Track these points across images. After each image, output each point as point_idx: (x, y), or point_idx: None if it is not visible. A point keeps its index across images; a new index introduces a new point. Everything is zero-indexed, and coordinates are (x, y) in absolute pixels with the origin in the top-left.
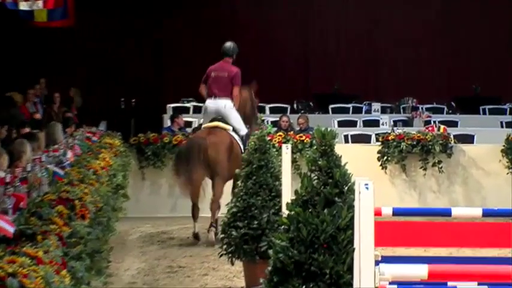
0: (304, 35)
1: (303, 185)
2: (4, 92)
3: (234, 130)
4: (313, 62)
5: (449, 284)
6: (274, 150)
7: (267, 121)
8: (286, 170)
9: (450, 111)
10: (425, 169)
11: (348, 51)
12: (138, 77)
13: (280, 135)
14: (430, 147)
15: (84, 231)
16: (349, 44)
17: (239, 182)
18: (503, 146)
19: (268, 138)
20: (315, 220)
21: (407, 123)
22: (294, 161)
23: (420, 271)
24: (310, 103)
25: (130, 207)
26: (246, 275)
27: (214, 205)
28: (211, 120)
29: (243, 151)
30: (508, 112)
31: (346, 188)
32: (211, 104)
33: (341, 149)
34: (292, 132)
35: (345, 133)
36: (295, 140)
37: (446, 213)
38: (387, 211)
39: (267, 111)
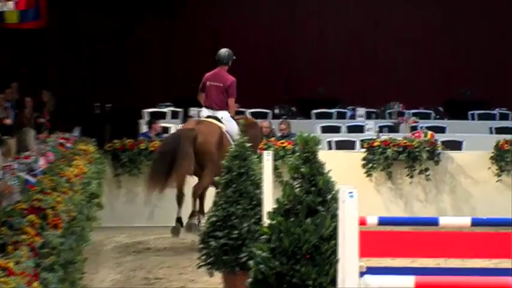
0: (287, 38)
1: (284, 193)
2: None
3: (228, 133)
4: (296, 65)
5: None
6: (255, 157)
7: None
8: (267, 177)
9: (438, 117)
10: (411, 177)
11: (332, 56)
12: (113, 81)
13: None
14: (416, 154)
15: (57, 242)
16: (333, 48)
17: (219, 190)
18: (493, 152)
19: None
20: (297, 230)
21: (393, 129)
22: (275, 168)
23: (407, 283)
24: (293, 108)
25: (105, 217)
26: (225, 287)
27: (198, 191)
28: (206, 117)
29: None
30: (497, 117)
31: (329, 196)
32: (207, 113)
33: (324, 155)
34: (273, 138)
35: (329, 139)
36: (277, 147)
37: (434, 222)
38: (372, 220)
39: (248, 117)
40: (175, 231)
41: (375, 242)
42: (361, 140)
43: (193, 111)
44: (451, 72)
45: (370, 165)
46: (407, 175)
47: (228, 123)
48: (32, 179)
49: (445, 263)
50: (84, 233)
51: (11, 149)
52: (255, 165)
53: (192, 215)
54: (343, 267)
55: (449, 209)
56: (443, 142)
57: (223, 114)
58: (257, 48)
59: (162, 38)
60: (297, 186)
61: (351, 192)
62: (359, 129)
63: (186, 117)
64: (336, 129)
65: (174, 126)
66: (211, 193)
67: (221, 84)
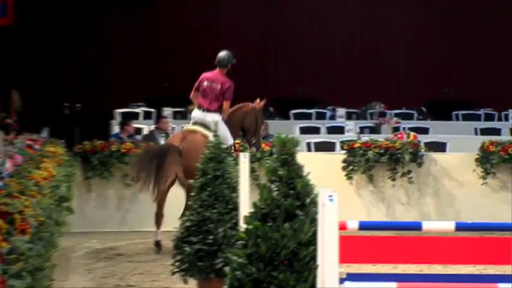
0: (264, 36)
1: (262, 196)
2: None
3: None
4: (273, 64)
5: None
6: (231, 159)
7: None
8: (244, 180)
9: (421, 117)
10: (393, 179)
11: (311, 54)
12: (83, 79)
13: (237, 143)
14: (399, 156)
15: (24, 247)
16: (312, 46)
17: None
18: (478, 154)
19: (225, 146)
20: (274, 235)
21: (374, 130)
22: (252, 170)
23: None
24: (270, 108)
25: (75, 221)
26: None
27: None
28: (194, 124)
29: None
30: (482, 118)
31: (308, 200)
32: (198, 115)
33: (303, 157)
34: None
35: (308, 140)
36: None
37: (417, 227)
38: (353, 225)
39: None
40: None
41: (356, 247)
42: (341, 142)
43: (166, 111)
44: (434, 71)
45: (351, 167)
46: (389, 178)
47: (219, 125)
48: None
49: (428, 269)
50: (53, 239)
51: None
52: (231, 167)
53: None
54: (323, 273)
55: (432, 213)
56: (426, 143)
57: (214, 117)
58: (233, 47)
59: (134, 35)
60: (274, 189)
61: (330, 196)
62: (339, 130)
63: (159, 117)
64: (315, 130)
65: (147, 127)
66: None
67: (218, 87)
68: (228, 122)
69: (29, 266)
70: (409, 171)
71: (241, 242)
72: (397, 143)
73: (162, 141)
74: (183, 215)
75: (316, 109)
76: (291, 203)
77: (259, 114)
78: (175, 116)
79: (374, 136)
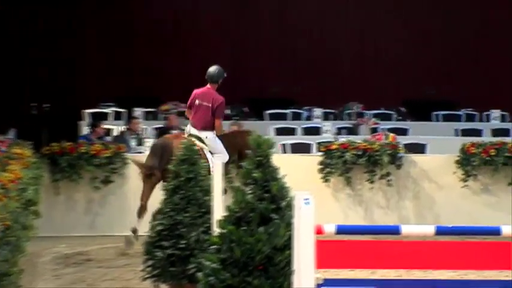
0: (235, 33)
1: (236, 200)
2: None
3: (211, 153)
4: (247, 62)
5: None
6: (204, 161)
7: None
8: (217, 183)
9: (400, 118)
10: (372, 182)
11: (285, 51)
12: (51, 78)
13: None
14: (377, 157)
15: None
16: (287, 43)
17: (165, 196)
18: (458, 156)
19: (197, 147)
20: (249, 239)
21: (352, 130)
22: (226, 173)
23: None
24: (245, 108)
25: (42, 225)
26: None
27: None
28: (189, 135)
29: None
30: (463, 119)
31: (284, 203)
32: (192, 131)
33: (278, 159)
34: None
35: (283, 142)
36: None
37: (396, 231)
38: (330, 229)
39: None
40: (128, 241)
41: (333, 252)
42: (318, 143)
43: (137, 111)
44: (414, 71)
45: (328, 169)
46: (367, 180)
47: (212, 143)
48: None
49: (407, 274)
50: (20, 243)
51: None
52: (204, 170)
53: None
54: (299, 279)
55: (412, 216)
56: (405, 145)
57: (207, 135)
58: (207, 45)
59: (103, 33)
60: (249, 192)
61: (306, 199)
62: (315, 131)
63: (130, 118)
64: (290, 131)
65: (117, 128)
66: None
67: (209, 105)
68: (226, 142)
69: None
70: (388, 174)
71: (214, 246)
72: (375, 145)
73: (133, 143)
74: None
75: (292, 109)
76: (265, 207)
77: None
78: (147, 116)
79: (352, 137)
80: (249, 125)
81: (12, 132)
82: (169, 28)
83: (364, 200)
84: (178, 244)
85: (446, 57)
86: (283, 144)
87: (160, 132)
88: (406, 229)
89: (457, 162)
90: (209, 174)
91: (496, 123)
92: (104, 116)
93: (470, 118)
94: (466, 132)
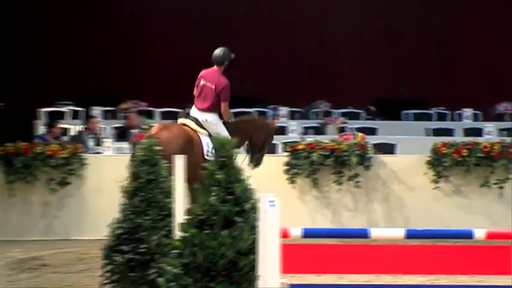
0: (189, 29)
1: (198, 202)
2: None
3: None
4: (207, 58)
5: None
6: (165, 162)
7: None
8: (179, 185)
9: (369, 117)
10: (340, 184)
11: (249, 46)
12: (5, 77)
13: None
14: (345, 158)
15: None
16: (251, 38)
17: (127, 199)
18: (429, 157)
19: (158, 148)
20: (212, 243)
21: (319, 130)
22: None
23: None
24: None
25: None
26: None
27: None
28: (187, 118)
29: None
30: (434, 118)
31: (248, 205)
32: (194, 113)
33: (243, 160)
34: None
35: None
36: None
37: (364, 234)
38: (296, 232)
39: (157, 117)
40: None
41: (299, 256)
42: (284, 143)
43: (95, 110)
44: (383, 69)
45: (294, 170)
46: (335, 182)
47: (213, 126)
48: None
49: (376, 280)
50: None
51: None
52: (165, 171)
53: None
54: (264, 284)
55: (381, 219)
56: (374, 145)
57: (209, 117)
58: (169, 41)
59: (60, 30)
60: (212, 194)
61: (272, 201)
62: (281, 130)
63: (88, 117)
64: None
65: (74, 128)
66: None
67: (213, 86)
68: (236, 129)
69: None
70: (356, 175)
71: (176, 251)
72: (343, 145)
73: (91, 143)
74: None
75: (257, 108)
76: (229, 209)
77: (271, 133)
78: (106, 115)
79: (319, 137)
80: None
81: None
82: (126, 25)
83: (331, 202)
84: (138, 248)
85: (417, 55)
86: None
87: (121, 132)
88: (375, 232)
89: (428, 162)
90: (204, 159)
91: (468, 123)
92: (60, 115)
93: (441, 117)
94: (437, 132)
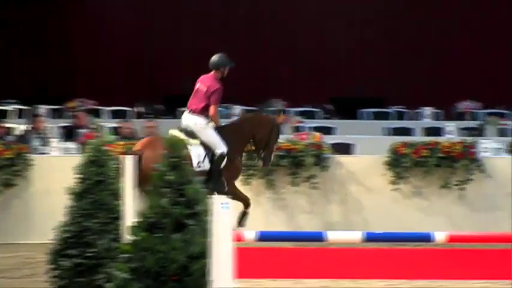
0: (146, 24)
1: (149, 204)
2: None
3: (204, 146)
4: (160, 55)
5: None
6: (114, 163)
7: (106, 127)
8: (128, 186)
9: (326, 116)
10: (295, 185)
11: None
12: None
13: (121, 145)
14: (301, 158)
15: None
16: (207, 39)
17: (73, 202)
18: (388, 157)
19: (106, 148)
20: (163, 247)
21: None
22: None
23: None
24: (159, 106)
25: None
26: None
27: None
28: (178, 129)
29: (206, 169)
30: (393, 117)
31: (200, 207)
32: (184, 117)
33: None
34: (136, 140)
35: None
36: None
37: (321, 237)
38: (250, 235)
39: (106, 116)
40: None
41: (254, 260)
42: None
43: (41, 109)
44: (340, 66)
45: (249, 171)
46: (291, 183)
47: (202, 130)
48: None
49: (334, 285)
50: None
51: None
52: (114, 172)
53: None
54: None
55: (338, 222)
56: (331, 145)
57: (197, 121)
58: (120, 40)
59: (6, 29)
60: (163, 196)
61: (224, 203)
62: None
63: (33, 116)
64: None
65: (19, 127)
66: None
67: (205, 89)
68: (234, 130)
69: None
70: (313, 176)
71: (125, 255)
72: (299, 145)
73: (37, 143)
74: None
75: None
76: (181, 212)
77: (275, 129)
78: (52, 114)
79: None
80: (164, 123)
81: None
82: (88, 25)
83: (287, 204)
84: (86, 253)
85: (376, 52)
86: None
87: (68, 131)
88: (333, 235)
89: (387, 163)
90: (191, 167)
91: (428, 122)
92: (4, 114)
93: (400, 116)
94: (396, 131)
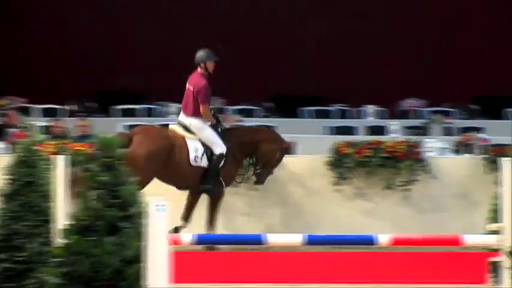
0: (64, 19)
1: (81, 206)
2: None
3: (203, 144)
4: (93, 51)
5: None
6: (45, 163)
7: (36, 126)
8: (60, 188)
9: (266, 114)
10: (234, 186)
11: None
12: None
13: (52, 144)
14: None
15: None
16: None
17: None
18: (330, 157)
19: (37, 148)
20: (96, 251)
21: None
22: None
23: None
24: (93, 104)
25: None
26: None
27: None
28: (177, 124)
29: (203, 165)
30: (335, 115)
31: (135, 210)
32: (180, 118)
33: None
34: (68, 140)
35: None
36: (73, 150)
37: (261, 240)
38: (187, 238)
39: (37, 114)
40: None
41: (191, 264)
42: None
43: None
44: (280, 64)
45: None
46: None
47: (198, 131)
48: None
49: None
50: None
51: None
52: (45, 173)
53: None
54: None
55: (278, 224)
56: None
57: (192, 122)
58: (49, 36)
59: None
60: (96, 198)
61: (160, 205)
62: None
63: None
64: None
65: None
66: None
67: (192, 88)
68: (235, 136)
69: None
70: (252, 177)
71: (57, 259)
72: None
73: None
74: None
75: (144, 105)
76: (115, 214)
77: (282, 152)
78: None
79: None
80: (98, 122)
81: None
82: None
83: (225, 206)
84: (15, 257)
85: (317, 49)
86: None
87: None
88: (273, 238)
89: (329, 163)
90: (189, 165)
91: (371, 120)
92: None
93: (343, 114)
94: (338, 130)
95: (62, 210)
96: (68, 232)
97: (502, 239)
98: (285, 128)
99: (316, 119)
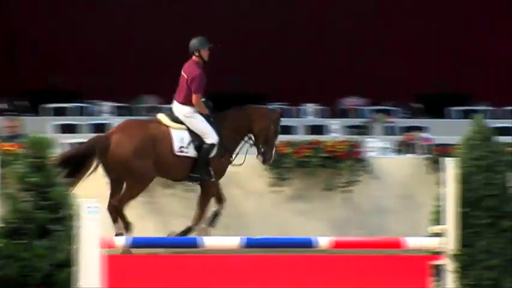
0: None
1: (9, 209)
2: None
3: (192, 133)
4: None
5: None
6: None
7: None
8: None
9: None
10: (170, 188)
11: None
12: None
13: None
14: None
15: None
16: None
17: None
18: None
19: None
20: (26, 254)
21: None
22: (1, 177)
23: None
24: (24, 102)
25: None
26: None
27: (111, 207)
28: (165, 114)
29: (189, 155)
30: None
31: (67, 212)
32: (173, 107)
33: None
34: None
35: (69, 141)
36: (2, 150)
37: (197, 244)
38: (121, 242)
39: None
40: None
41: (126, 268)
42: None
43: None
44: (218, 60)
45: None
46: (165, 186)
47: (189, 120)
48: None
49: None
50: None
51: None
52: None
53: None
54: None
55: (216, 227)
56: None
57: (184, 110)
58: None
59: None
60: (26, 200)
61: (92, 207)
62: (103, 128)
63: None
64: (74, 129)
65: None
66: None
67: (186, 77)
68: (226, 121)
69: None
70: None
71: None
72: None
73: None
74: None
75: (77, 103)
76: (45, 216)
77: (275, 122)
78: None
79: None
80: (29, 121)
81: None
82: None
83: (161, 208)
84: None
85: (256, 45)
86: (71, 144)
87: None
88: (209, 241)
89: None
90: (174, 155)
91: (311, 119)
92: None
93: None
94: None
95: None
96: None
97: (445, 242)
98: None
99: None
